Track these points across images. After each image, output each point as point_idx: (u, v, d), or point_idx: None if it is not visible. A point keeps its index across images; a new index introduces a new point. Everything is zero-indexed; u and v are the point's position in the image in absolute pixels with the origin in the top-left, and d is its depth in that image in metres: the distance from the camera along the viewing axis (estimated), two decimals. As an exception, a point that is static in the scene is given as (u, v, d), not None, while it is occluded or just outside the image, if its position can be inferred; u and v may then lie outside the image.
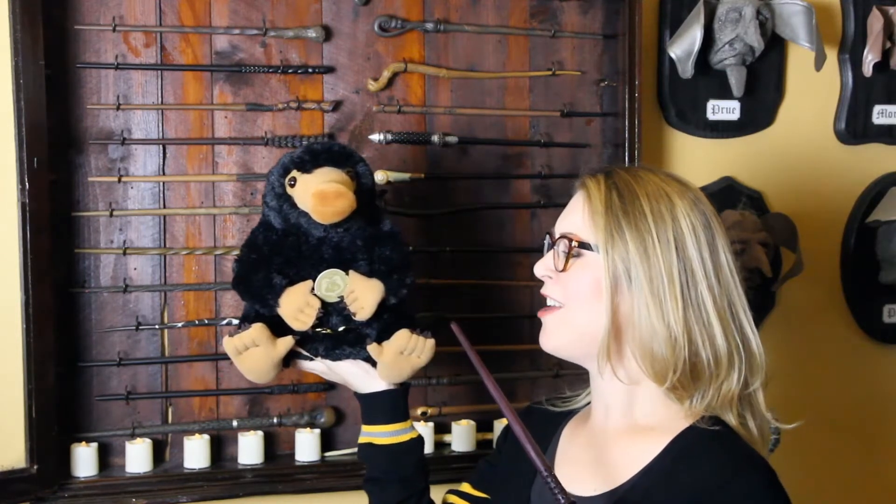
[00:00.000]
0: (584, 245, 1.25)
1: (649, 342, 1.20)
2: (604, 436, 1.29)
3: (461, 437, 1.96)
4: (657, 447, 1.21)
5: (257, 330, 1.45)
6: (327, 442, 1.93)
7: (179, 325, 1.88)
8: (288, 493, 1.86)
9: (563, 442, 1.36)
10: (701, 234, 1.22)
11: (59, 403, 1.77)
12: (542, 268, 1.30)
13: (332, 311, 1.48)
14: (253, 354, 1.46)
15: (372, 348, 1.48)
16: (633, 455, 1.22)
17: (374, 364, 1.50)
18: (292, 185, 1.47)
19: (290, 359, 1.51)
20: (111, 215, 1.84)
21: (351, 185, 1.46)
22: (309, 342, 1.50)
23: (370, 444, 1.50)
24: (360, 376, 1.52)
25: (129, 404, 1.86)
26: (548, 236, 1.31)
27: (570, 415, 1.40)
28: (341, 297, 1.48)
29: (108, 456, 1.86)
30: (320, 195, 1.41)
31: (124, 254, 1.85)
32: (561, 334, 1.28)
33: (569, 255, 1.25)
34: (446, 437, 1.98)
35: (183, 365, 1.89)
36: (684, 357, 1.20)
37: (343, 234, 1.49)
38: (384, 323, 1.50)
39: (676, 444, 1.20)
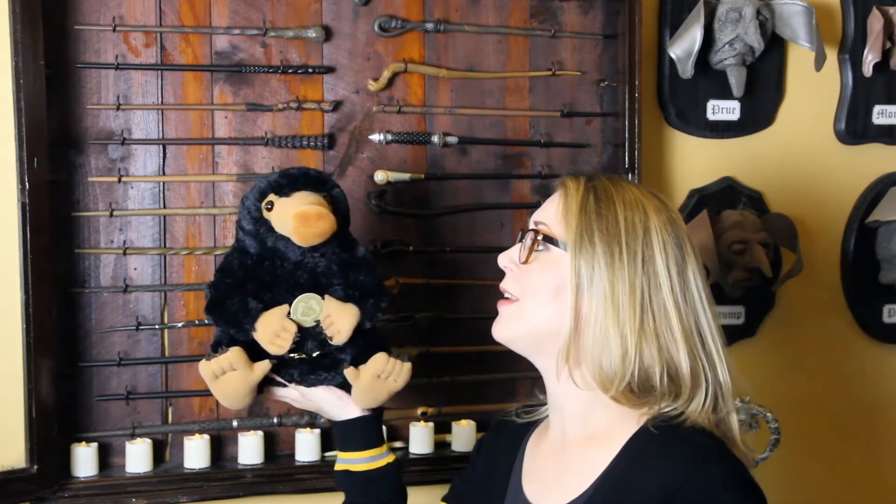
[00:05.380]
0: (551, 240, 1.23)
1: (600, 348, 1.18)
2: (562, 445, 1.26)
3: (461, 437, 1.96)
4: (612, 451, 1.18)
5: (235, 353, 1.44)
6: (327, 442, 1.93)
7: (179, 325, 1.88)
8: (288, 493, 1.86)
9: (528, 454, 1.34)
10: (671, 252, 1.21)
11: (59, 403, 1.77)
12: (505, 258, 1.29)
13: (307, 335, 1.48)
14: (230, 378, 1.45)
15: (349, 372, 1.48)
16: (590, 463, 1.20)
17: (347, 390, 1.50)
18: (269, 209, 1.47)
19: (263, 386, 1.50)
20: (111, 215, 1.84)
21: (328, 209, 1.47)
22: (283, 368, 1.49)
23: (346, 472, 1.50)
24: (334, 403, 1.51)
25: (129, 404, 1.86)
26: (521, 232, 1.29)
27: (534, 426, 1.37)
28: (317, 322, 1.48)
29: (108, 456, 1.86)
30: (302, 216, 1.42)
31: (124, 254, 1.85)
32: (513, 326, 1.27)
33: (532, 247, 1.24)
34: (446, 437, 1.98)
35: (183, 365, 1.89)
36: (633, 370, 1.17)
37: (319, 258, 1.49)
38: (359, 348, 1.50)
39: (630, 447, 1.17)
